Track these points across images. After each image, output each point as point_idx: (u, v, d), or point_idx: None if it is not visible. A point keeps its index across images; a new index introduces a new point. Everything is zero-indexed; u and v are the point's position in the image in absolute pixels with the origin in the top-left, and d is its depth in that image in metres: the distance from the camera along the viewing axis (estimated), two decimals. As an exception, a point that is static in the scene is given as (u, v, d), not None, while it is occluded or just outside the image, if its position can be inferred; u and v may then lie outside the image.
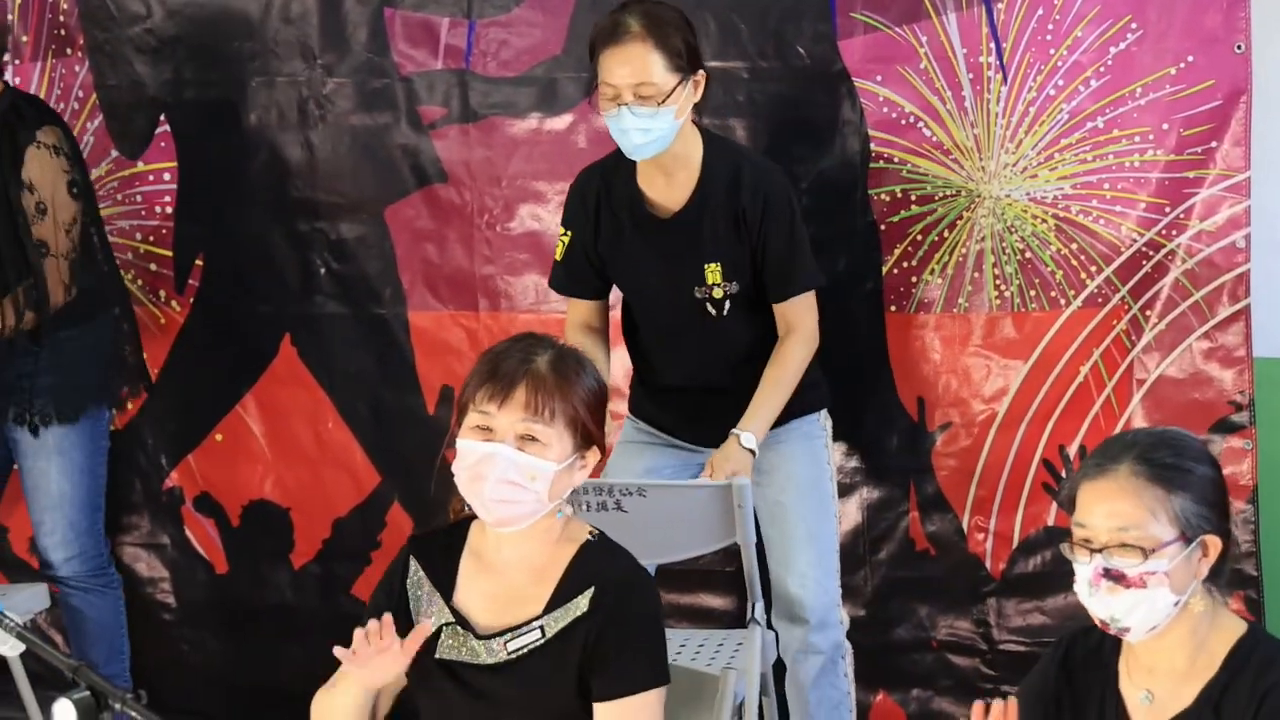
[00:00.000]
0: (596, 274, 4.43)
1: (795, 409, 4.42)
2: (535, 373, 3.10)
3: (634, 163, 4.37)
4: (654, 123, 4.23)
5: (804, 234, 4.38)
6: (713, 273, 4.35)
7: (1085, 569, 2.92)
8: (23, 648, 3.00)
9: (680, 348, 4.42)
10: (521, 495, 3.09)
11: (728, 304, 4.35)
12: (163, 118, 5.21)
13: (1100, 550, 2.90)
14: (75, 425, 4.86)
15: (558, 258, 4.46)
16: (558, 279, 4.49)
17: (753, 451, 4.25)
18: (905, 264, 4.81)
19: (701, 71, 4.28)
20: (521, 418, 3.08)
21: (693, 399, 4.45)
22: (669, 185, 4.38)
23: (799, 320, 4.37)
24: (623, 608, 3.10)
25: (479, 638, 3.12)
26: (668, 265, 4.36)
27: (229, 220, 5.23)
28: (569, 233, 4.45)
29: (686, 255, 4.35)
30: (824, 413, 4.51)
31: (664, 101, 4.20)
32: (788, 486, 4.38)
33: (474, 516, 3.18)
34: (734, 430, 4.27)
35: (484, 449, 3.08)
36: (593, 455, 3.17)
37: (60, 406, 4.82)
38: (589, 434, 3.14)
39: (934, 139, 4.75)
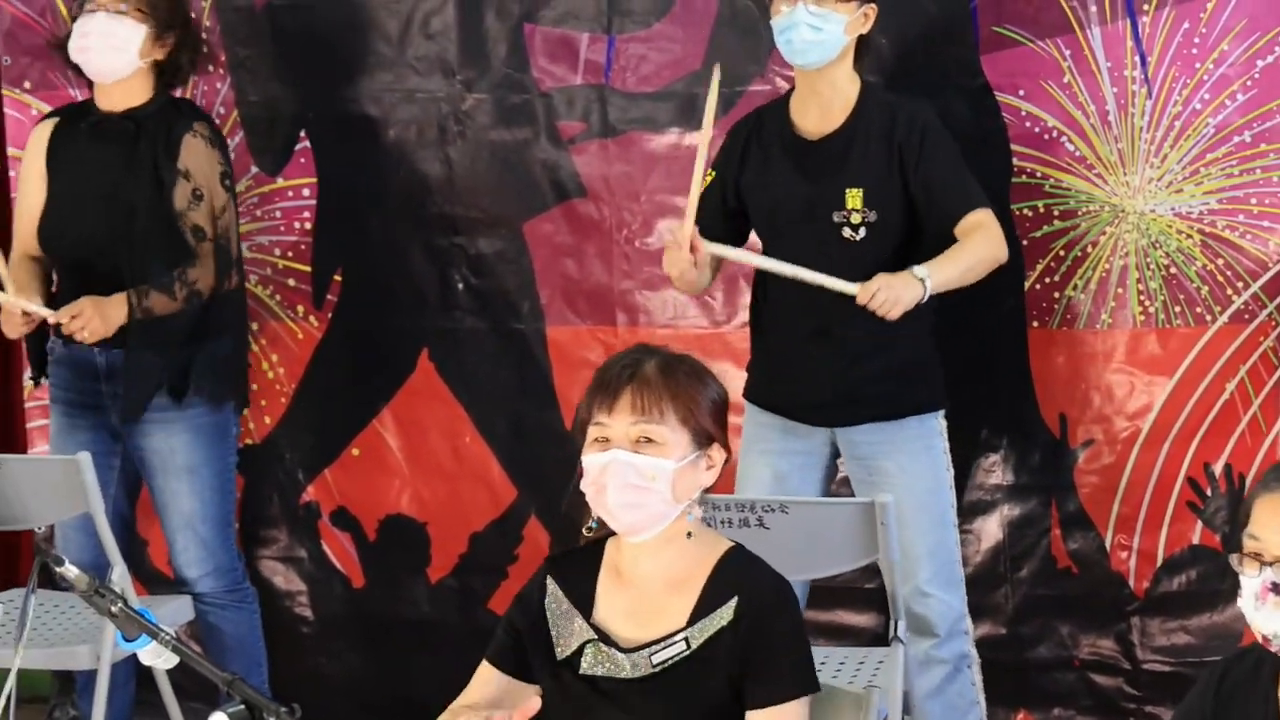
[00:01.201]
0: (726, 217, 4.47)
1: (911, 402, 4.42)
2: (641, 376, 3.12)
3: (788, 99, 4.45)
4: (825, 24, 4.31)
5: (965, 165, 4.41)
6: (853, 197, 4.37)
7: (1253, 582, 2.85)
8: (176, 660, 2.98)
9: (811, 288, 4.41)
10: (645, 498, 3.09)
11: (864, 230, 4.36)
12: (303, 133, 5.26)
13: (1272, 564, 2.83)
14: (206, 442, 4.87)
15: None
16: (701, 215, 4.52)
17: (923, 284, 4.24)
18: (1048, 279, 4.80)
19: (873, 6, 4.36)
20: (633, 421, 3.10)
21: (811, 347, 4.42)
22: (822, 115, 4.43)
23: (988, 226, 4.36)
24: (770, 616, 3.08)
25: (622, 651, 3.10)
26: (809, 186, 4.40)
27: (367, 235, 5.27)
28: (713, 173, 4.50)
29: (829, 178, 4.39)
30: (941, 414, 4.47)
31: (836, 4, 4.30)
32: (906, 499, 4.33)
33: (607, 535, 3.17)
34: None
35: (603, 458, 3.11)
36: (718, 453, 3.17)
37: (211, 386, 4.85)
38: (706, 432, 3.15)
39: (1077, 153, 4.74)
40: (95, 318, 4.65)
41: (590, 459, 3.12)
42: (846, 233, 4.35)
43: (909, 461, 4.41)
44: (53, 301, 4.87)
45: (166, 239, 4.78)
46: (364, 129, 5.16)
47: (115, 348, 4.77)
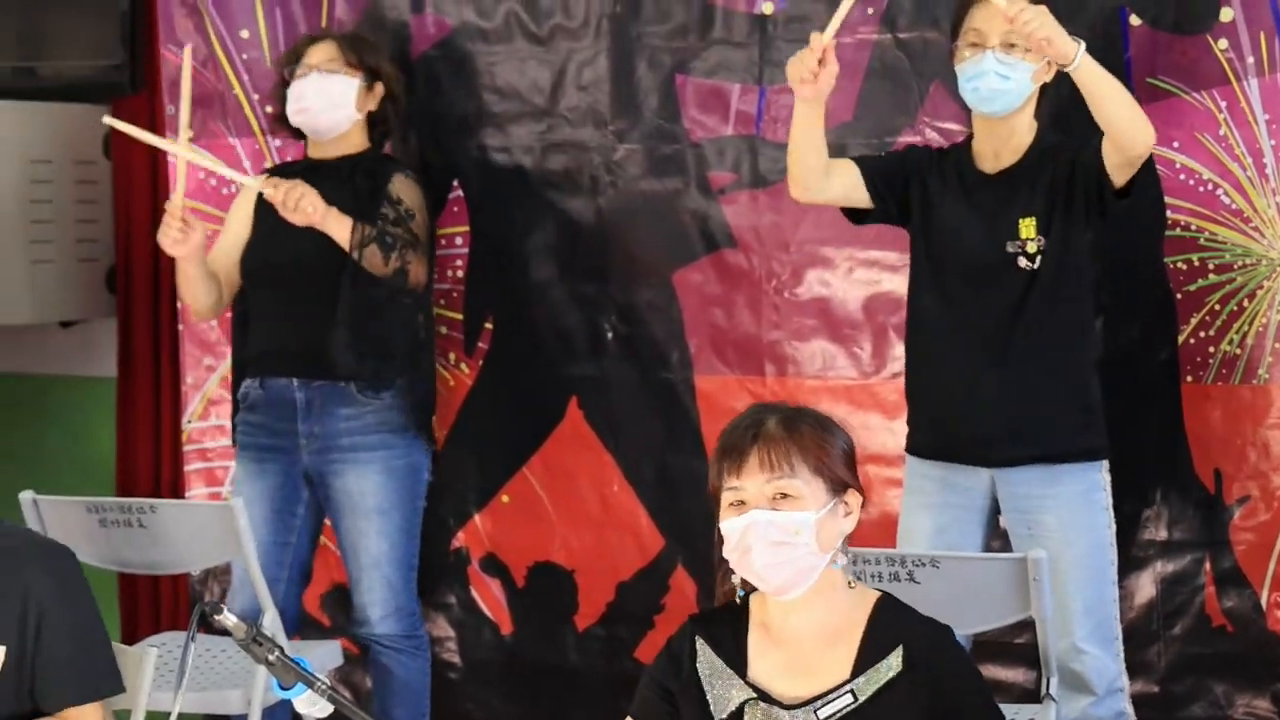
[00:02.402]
0: (880, 183, 4.47)
1: (1074, 449, 4.37)
2: (765, 434, 3.12)
3: (969, 144, 4.47)
4: (1014, 73, 4.31)
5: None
6: (1027, 227, 4.35)
7: None
8: (331, 709, 2.98)
9: (980, 305, 4.40)
10: (791, 554, 3.08)
11: (1039, 259, 4.34)
12: (456, 183, 5.30)
13: None
14: (398, 484, 4.92)
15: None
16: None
17: (1079, 46, 4.13)
18: (1202, 334, 4.75)
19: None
20: (766, 479, 3.09)
21: (972, 374, 4.38)
22: (998, 154, 4.42)
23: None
24: (947, 659, 3.11)
25: (784, 708, 3.07)
26: (984, 219, 4.39)
27: (518, 284, 5.32)
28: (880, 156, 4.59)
29: (1004, 209, 4.38)
30: (1105, 466, 4.42)
31: (1027, 53, 4.28)
32: (1064, 553, 4.28)
33: (748, 594, 3.17)
34: None
35: (742, 521, 3.10)
36: (854, 499, 3.16)
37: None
38: (840, 479, 3.15)
39: (1233, 206, 4.68)
40: (313, 192, 4.70)
41: (729, 524, 3.11)
42: (1022, 262, 4.34)
43: (1070, 516, 4.35)
44: (243, 329, 5.02)
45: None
46: (516, 179, 5.20)
47: (315, 380, 4.86)
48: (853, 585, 3.14)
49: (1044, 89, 4.42)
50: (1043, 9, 4.21)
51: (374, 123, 5.01)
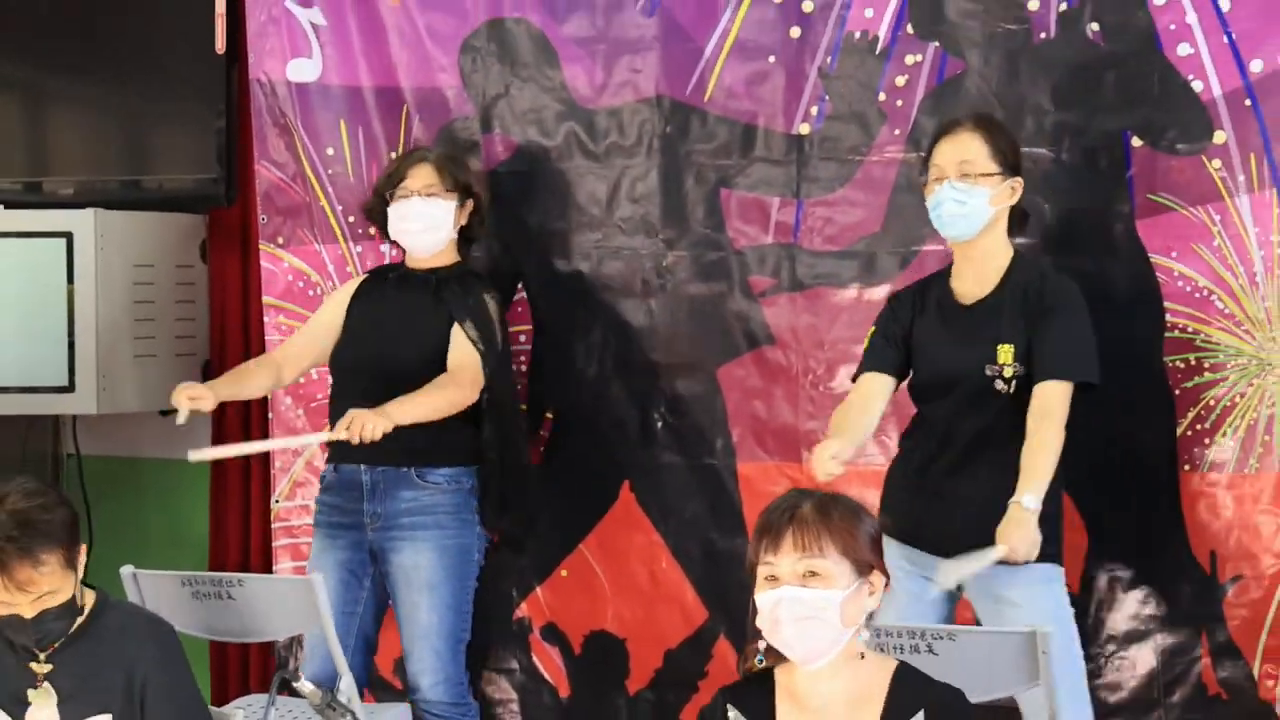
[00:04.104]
0: (899, 349, 4.46)
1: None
2: (800, 517, 3.15)
3: (949, 271, 4.45)
4: (969, 199, 4.33)
5: (1089, 335, 4.31)
6: (1005, 353, 4.33)
7: None
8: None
9: (959, 421, 4.37)
10: (818, 629, 3.12)
11: (1014, 383, 4.31)
12: (520, 285, 5.31)
13: None
14: (450, 562, 4.90)
15: (864, 348, 4.52)
16: (863, 363, 4.52)
17: (1034, 513, 4.10)
18: (1199, 426, 4.73)
19: (1019, 180, 4.37)
20: (798, 558, 3.13)
21: (947, 483, 4.35)
22: (976, 280, 4.41)
23: (1055, 406, 4.25)
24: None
25: None
26: (964, 344, 4.36)
27: (577, 378, 5.28)
28: (874, 329, 4.51)
29: (982, 335, 4.35)
30: (1061, 570, 4.33)
31: (979, 179, 4.31)
32: (1033, 622, 4.09)
33: (769, 663, 3.21)
34: (1013, 500, 4.14)
35: (774, 595, 3.13)
36: (878, 579, 3.19)
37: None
38: (867, 561, 3.17)
39: (1227, 311, 4.68)
40: (373, 418, 4.64)
41: (763, 597, 3.14)
42: (999, 385, 4.31)
43: (1032, 594, 4.29)
44: (330, 412, 4.99)
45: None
46: (575, 282, 5.21)
47: (379, 465, 4.85)
48: (864, 656, 3.18)
49: (1016, 209, 4.39)
50: (1018, 538, 4.09)
51: (463, 234, 5.03)
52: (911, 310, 4.50)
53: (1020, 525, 4.12)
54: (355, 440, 4.65)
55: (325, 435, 4.84)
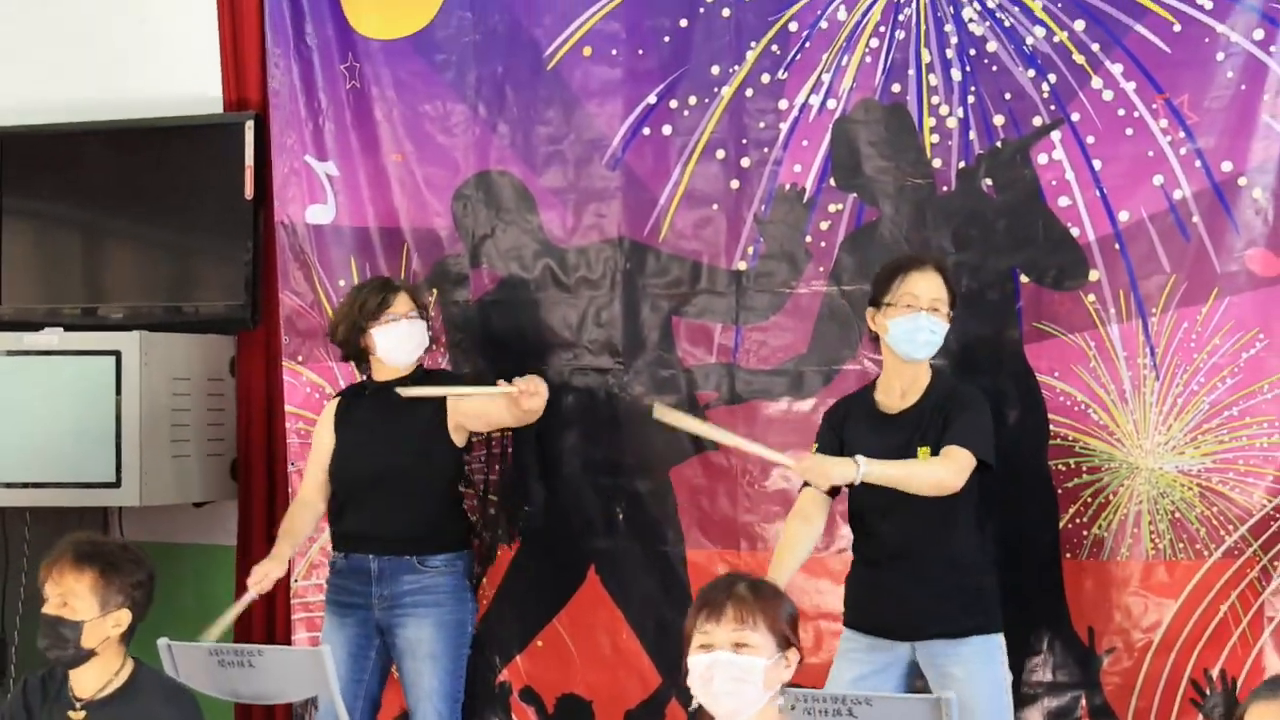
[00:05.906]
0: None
1: (975, 623, 4.44)
2: (737, 595, 3.37)
3: (871, 388, 4.57)
4: (938, 329, 4.48)
5: (989, 429, 4.44)
6: (923, 453, 4.44)
7: None
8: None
9: (892, 516, 4.46)
10: (743, 689, 3.33)
11: None
12: None
13: None
14: (447, 635, 5.02)
15: None
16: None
17: (858, 469, 4.26)
18: (1078, 520, 4.88)
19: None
20: (733, 629, 3.34)
21: (893, 571, 4.46)
22: (903, 393, 4.53)
23: (955, 456, 4.36)
24: None
25: None
26: (889, 448, 4.43)
27: (550, 477, 5.38)
28: (815, 445, 4.60)
29: (904, 439, 4.44)
30: (1001, 636, 4.47)
31: (945, 317, 4.48)
32: (971, 700, 4.33)
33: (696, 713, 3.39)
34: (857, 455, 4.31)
35: (708, 659, 3.35)
36: (793, 654, 3.40)
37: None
38: (786, 637, 3.38)
39: (1100, 422, 4.83)
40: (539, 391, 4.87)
41: (696, 659, 3.36)
42: None
43: (973, 670, 4.43)
44: (336, 522, 5.07)
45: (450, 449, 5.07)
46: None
47: (385, 555, 4.98)
48: (783, 715, 3.39)
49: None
50: (815, 460, 4.35)
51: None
52: (843, 420, 4.62)
53: (829, 458, 4.34)
54: (525, 404, 4.86)
55: (504, 388, 4.92)
